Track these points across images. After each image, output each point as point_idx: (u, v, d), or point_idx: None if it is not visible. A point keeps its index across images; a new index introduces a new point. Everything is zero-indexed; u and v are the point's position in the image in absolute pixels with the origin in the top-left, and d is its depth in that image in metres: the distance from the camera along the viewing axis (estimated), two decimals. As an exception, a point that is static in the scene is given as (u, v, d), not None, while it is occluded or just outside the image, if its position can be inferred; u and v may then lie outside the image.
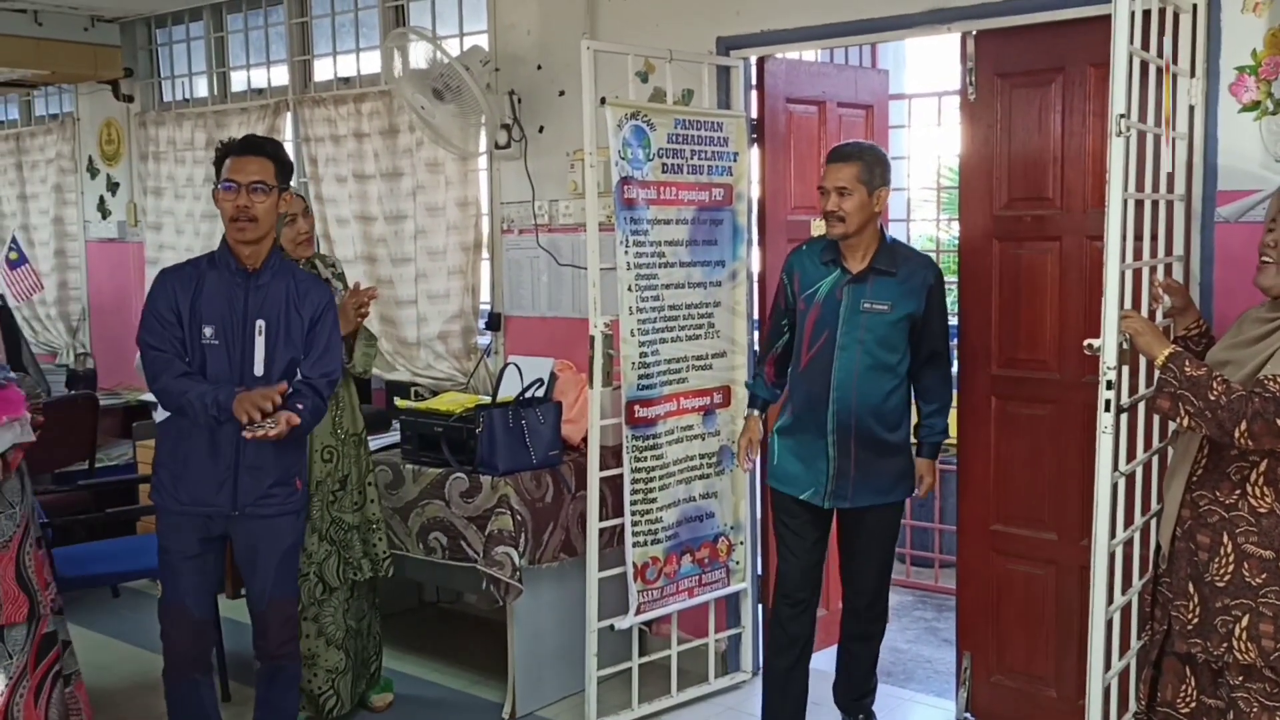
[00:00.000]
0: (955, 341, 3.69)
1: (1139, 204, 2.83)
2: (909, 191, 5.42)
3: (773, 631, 3.50)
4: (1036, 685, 3.63)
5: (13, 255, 6.19)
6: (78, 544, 4.40)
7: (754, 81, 4.04)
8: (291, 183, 3.16)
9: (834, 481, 3.35)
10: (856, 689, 3.58)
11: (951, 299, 3.91)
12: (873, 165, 3.26)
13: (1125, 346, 2.62)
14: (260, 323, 3.04)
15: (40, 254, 6.54)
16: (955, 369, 3.65)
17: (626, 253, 3.61)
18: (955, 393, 3.62)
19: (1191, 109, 3.06)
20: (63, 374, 6.09)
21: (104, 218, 6.37)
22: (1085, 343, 2.63)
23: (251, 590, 3.19)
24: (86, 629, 4.59)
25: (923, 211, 5.72)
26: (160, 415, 3.14)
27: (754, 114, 4.04)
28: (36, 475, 4.34)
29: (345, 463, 3.68)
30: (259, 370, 3.03)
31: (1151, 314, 2.92)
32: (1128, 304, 2.75)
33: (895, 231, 5.07)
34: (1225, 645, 2.54)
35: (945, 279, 3.53)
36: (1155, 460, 2.97)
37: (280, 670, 3.25)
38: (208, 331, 3.02)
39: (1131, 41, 2.58)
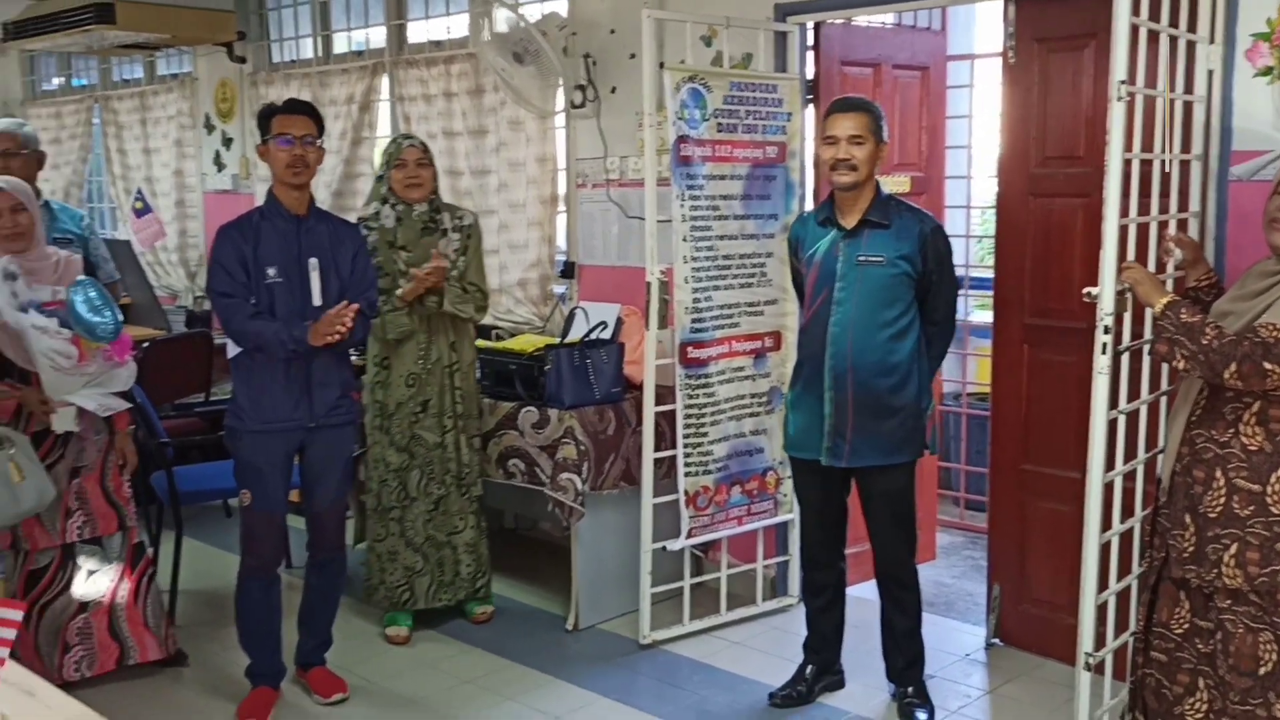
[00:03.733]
0: (991, 292, 3.88)
1: (1147, 163, 3.03)
2: (970, 149, 5.58)
3: (803, 576, 3.74)
4: (1058, 614, 3.87)
5: (138, 205, 6.76)
6: (193, 464, 4.90)
7: (810, 44, 4.28)
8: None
9: (829, 438, 3.40)
10: (901, 655, 3.57)
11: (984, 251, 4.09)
12: (879, 119, 3.33)
13: (1127, 295, 2.85)
14: (313, 260, 3.52)
15: (162, 204, 7.07)
16: (991, 319, 3.81)
17: (682, 206, 3.91)
18: (990, 343, 3.83)
19: (1210, 74, 3.23)
20: (182, 315, 6.63)
21: (219, 170, 6.87)
22: (1085, 291, 2.87)
23: (315, 495, 3.64)
24: (201, 542, 5.10)
25: (986, 169, 5.87)
26: (232, 351, 3.59)
27: (810, 75, 4.28)
28: (158, 404, 4.86)
29: (428, 389, 4.09)
30: (317, 300, 3.51)
31: (1161, 266, 3.13)
32: (1131, 256, 2.98)
33: (955, 188, 5.31)
34: (1215, 571, 2.77)
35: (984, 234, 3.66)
36: (1163, 402, 3.19)
37: (332, 560, 3.75)
38: (271, 271, 3.47)
39: (1136, 12, 2.79)
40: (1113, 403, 2.92)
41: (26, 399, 3.47)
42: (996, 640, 4.06)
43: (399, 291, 4.01)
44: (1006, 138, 3.88)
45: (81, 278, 3.52)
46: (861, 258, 3.33)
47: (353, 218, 5.87)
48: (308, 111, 3.57)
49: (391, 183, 4.08)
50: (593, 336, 4.26)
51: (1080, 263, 3.70)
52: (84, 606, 3.65)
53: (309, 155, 3.49)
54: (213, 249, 3.54)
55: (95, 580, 3.67)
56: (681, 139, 3.88)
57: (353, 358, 4.69)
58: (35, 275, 3.48)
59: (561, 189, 5.09)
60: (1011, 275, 3.88)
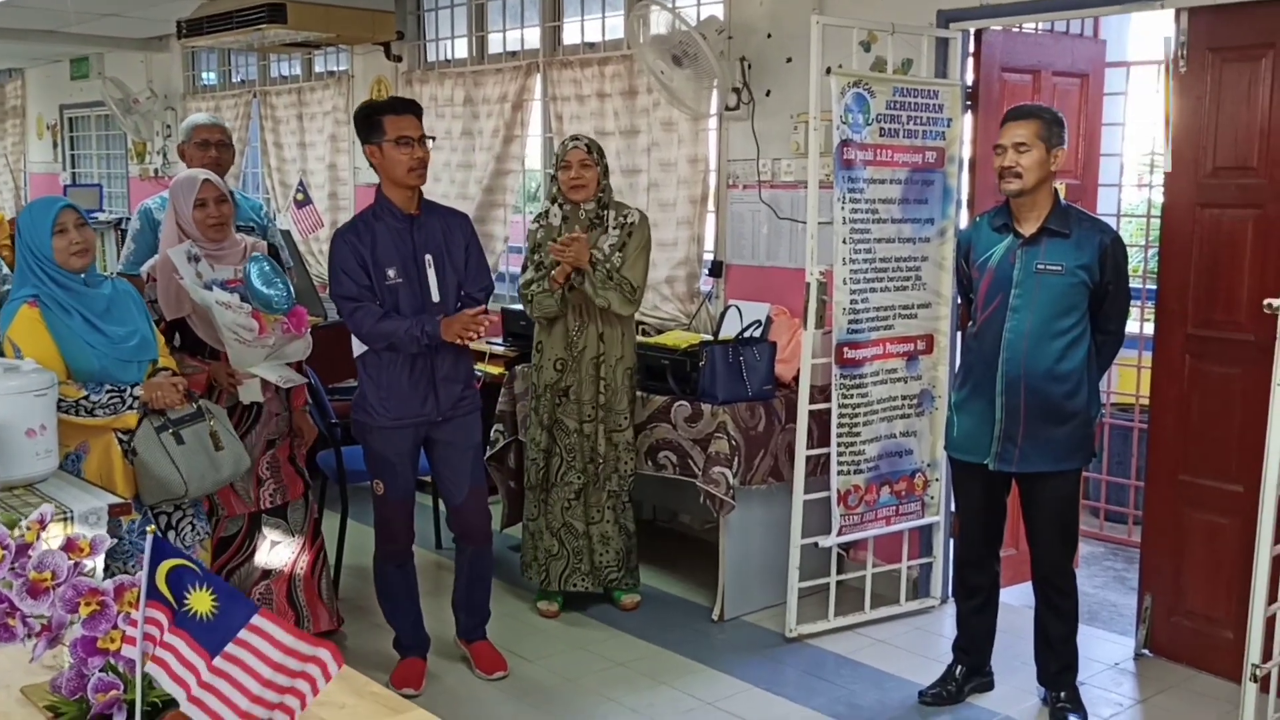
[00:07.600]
0: (1153, 303, 3.86)
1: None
2: (1122, 157, 5.53)
3: (957, 577, 3.77)
4: (1214, 627, 3.85)
5: (299, 196, 7.05)
6: (350, 445, 5.12)
7: (970, 50, 4.31)
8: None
9: (999, 443, 3.42)
10: (1056, 659, 3.56)
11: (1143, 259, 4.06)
12: (1051, 124, 3.32)
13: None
14: (428, 257, 3.58)
15: (315, 196, 7.36)
16: (1138, 328, 3.77)
17: (843, 208, 3.98)
18: (1151, 353, 3.80)
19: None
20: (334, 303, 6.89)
21: (372, 165, 7.12)
22: (1265, 302, 2.87)
23: (451, 484, 3.75)
24: (355, 521, 5.31)
25: (1136, 178, 5.81)
26: (358, 349, 3.66)
27: (969, 81, 4.31)
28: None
29: (571, 376, 4.24)
30: (436, 297, 3.58)
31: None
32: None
33: (1106, 196, 5.27)
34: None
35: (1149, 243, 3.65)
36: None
37: (480, 552, 3.84)
38: (390, 272, 3.54)
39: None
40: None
41: (215, 373, 3.70)
42: (1146, 651, 4.04)
43: (553, 273, 4.14)
44: (1174, 148, 3.86)
45: (256, 253, 3.71)
46: (1040, 266, 3.35)
47: (504, 214, 6.08)
48: (416, 110, 3.58)
49: (559, 183, 4.22)
50: (746, 335, 4.35)
51: (1250, 274, 3.68)
52: (266, 574, 3.87)
53: (427, 155, 3.53)
54: (331, 255, 3.58)
55: (278, 550, 3.89)
56: (845, 143, 3.95)
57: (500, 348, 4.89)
58: (220, 260, 3.68)
59: (711, 189, 5.19)
60: (1176, 285, 3.86)
